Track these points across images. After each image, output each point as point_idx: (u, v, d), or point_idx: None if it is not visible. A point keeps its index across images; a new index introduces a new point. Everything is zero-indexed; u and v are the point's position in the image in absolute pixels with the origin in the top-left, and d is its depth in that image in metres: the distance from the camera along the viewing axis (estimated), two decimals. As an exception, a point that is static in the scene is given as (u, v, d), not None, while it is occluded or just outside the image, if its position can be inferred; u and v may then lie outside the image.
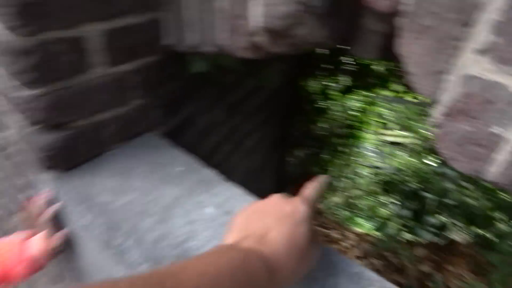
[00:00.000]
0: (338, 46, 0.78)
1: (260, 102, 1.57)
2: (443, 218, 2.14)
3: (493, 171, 0.55)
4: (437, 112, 0.58)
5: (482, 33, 0.47)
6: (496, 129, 0.52)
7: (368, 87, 2.00)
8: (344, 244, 2.27)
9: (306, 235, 0.46)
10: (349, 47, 0.78)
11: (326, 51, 1.92)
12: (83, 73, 0.72)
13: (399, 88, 2.17)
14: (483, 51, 0.48)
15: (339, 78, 2.00)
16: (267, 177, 2.25)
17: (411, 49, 0.54)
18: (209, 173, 0.85)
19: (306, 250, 0.46)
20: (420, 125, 3.43)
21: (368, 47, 0.74)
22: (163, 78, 0.92)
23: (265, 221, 0.47)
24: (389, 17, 0.63)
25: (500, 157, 0.53)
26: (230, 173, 1.64)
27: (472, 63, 0.50)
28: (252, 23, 0.69)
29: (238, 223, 0.50)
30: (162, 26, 0.85)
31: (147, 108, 0.92)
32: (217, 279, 0.36)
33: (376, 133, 3.28)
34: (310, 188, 0.54)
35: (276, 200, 0.51)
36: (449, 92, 0.54)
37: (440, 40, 0.50)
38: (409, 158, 3.22)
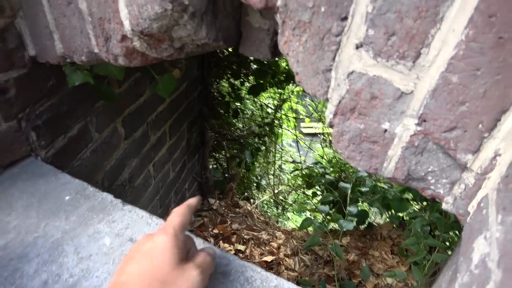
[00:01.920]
0: (229, 47, 0.72)
1: (164, 109, 1.47)
2: (363, 206, 2.23)
3: (389, 167, 0.54)
4: (329, 112, 0.55)
5: (359, 26, 0.44)
6: (386, 125, 0.50)
7: (278, 84, 2.01)
8: (274, 244, 2.26)
9: (167, 264, 0.46)
10: (239, 48, 0.73)
11: (230, 51, 1.88)
12: None
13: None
14: (361, 46, 0.45)
15: (248, 77, 1.97)
16: (191, 184, 2.15)
17: (293, 47, 0.50)
18: (104, 198, 0.74)
19: (171, 277, 0.46)
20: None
21: (259, 46, 0.70)
22: (36, 94, 0.78)
23: (127, 264, 0.47)
24: (270, 13, 0.58)
25: (393, 153, 0.52)
26: (146, 187, 1.53)
27: (355, 59, 0.47)
28: (123, 27, 0.60)
29: (119, 267, 0.49)
30: (23, 34, 0.71)
31: (21, 131, 0.78)
32: None
33: (293, 128, 3.34)
34: (174, 214, 0.53)
35: (140, 241, 0.50)
36: (337, 90, 0.51)
37: (320, 36, 0.47)
38: (326, 149, 3.34)
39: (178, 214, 0.52)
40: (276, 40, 0.70)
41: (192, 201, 0.57)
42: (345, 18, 0.45)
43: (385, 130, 0.51)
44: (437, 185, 0.51)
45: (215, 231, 2.01)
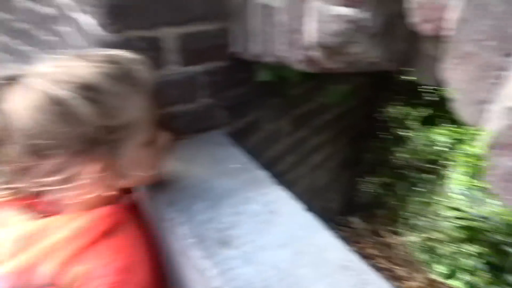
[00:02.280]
0: (399, 68, 0.77)
1: (330, 119, 1.57)
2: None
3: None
4: (483, 143, 0.55)
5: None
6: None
7: (456, 121, 1.85)
8: (409, 283, 2.11)
9: None
10: (410, 70, 0.77)
11: (406, 77, 1.84)
12: (160, 69, 0.83)
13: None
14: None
15: (421, 107, 1.89)
16: (333, 197, 2.21)
17: (454, 76, 0.53)
18: (261, 174, 0.88)
19: None
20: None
21: (427, 71, 0.73)
22: (230, 82, 1.00)
23: None
24: (438, 41, 0.61)
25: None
26: (293, 184, 1.67)
27: (517, 95, 0.47)
28: (308, 38, 0.73)
29: None
30: (230, 35, 0.93)
31: (214, 107, 1.01)
32: None
33: (465, 174, 2.97)
34: None
35: None
36: (493, 123, 0.51)
37: (482, 68, 0.49)
38: (503, 208, 2.85)
39: None
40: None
41: None
42: (511, 55, 0.46)
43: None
44: None
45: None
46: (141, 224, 0.84)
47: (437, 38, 0.54)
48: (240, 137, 1.15)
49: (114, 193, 0.69)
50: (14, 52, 1.50)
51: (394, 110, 2.12)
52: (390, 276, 2.16)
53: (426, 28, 0.53)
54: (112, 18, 0.72)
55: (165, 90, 0.88)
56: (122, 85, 0.62)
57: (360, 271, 0.60)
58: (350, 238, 2.17)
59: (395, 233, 2.86)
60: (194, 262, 0.66)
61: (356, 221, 2.36)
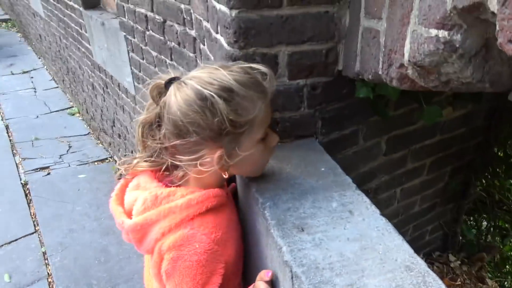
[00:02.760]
0: (496, 91, 0.78)
1: (431, 143, 1.54)
2: None
3: None
4: None
5: None
6: None
7: None
8: None
9: None
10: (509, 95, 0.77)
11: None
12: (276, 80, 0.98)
13: None
14: None
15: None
16: (434, 229, 2.09)
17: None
18: (346, 179, 0.95)
19: None
20: None
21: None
22: (331, 96, 1.10)
23: None
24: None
25: None
26: (387, 206, 1.66)
27: None
28: (404, 57, 0.79)
29: None
30: (337, 54, 1.03)
31: (313, 117, 1.12)
32: None
33: None
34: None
35: None
36: None
37: None
38: None
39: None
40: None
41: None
42: None
43: None
44: None
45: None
46: (235, 209, 0.99)
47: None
48: (334, 148, 1.23)
49: (225, 177, 0.86)
50: (163, 65, 1.87)
51: None
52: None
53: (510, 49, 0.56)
54: (237, 37, 0.92)
55: (273, 99, 1.02)
56: (251, 91, 0.78)
57: (424, 274, 0.64)
58: (445, 274, 2.03)
59: (501, 282, 2.53)
60: (272, 240, 0.77)
61: (453, 260, 2.19)
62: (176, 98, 0.77)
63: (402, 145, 1.46)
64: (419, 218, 1.88)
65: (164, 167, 0.88)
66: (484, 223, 2.42)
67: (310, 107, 1.09)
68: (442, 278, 2.01)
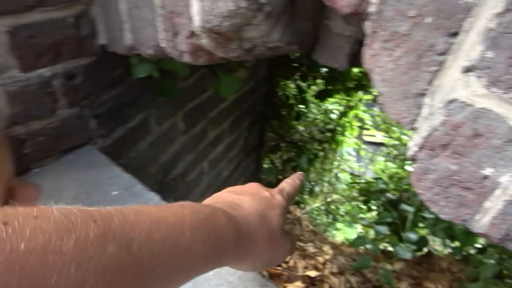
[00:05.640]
0: (303, 52, 0.65)
1: (226, 107, 1.43)
2: (422, 232, 2.05)
3: (482, 221, 0.43)
4: (413, 143, 0.45)
5: (473, 46, 0.35)
6: (488, 171, 0.40)
7: (347, 91, 1.89)
8: (320, 259, 2.16)
9: (279, 220, 0.44)
10: (313, 54, 0.66)
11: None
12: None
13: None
14: (472, 70, 0.36)
15: (317, 81, 1.88)
16: (243, 183, 2.12)
17: (381, 63, 0.42)
18: (150, 198, 0.71)
19: (277, 235, 0.44)
20: (403, 131, 3.35)
21: (336, 54, 0.62)
22: (99, 84, 0.78)
23: (239, 196, 0.45)
24: (357, 19, 0.50)
25: (491, 206, 0.42)
26: (197, 183, 1.52)
27: (459, 85, 0.38)
28: (194, 22, 0.55)
29: (211, 196, 0.47)
30: (95, 23, 0.70)
31: (81, 117, 0.78)
32: (175, 229, 0.31)
33: (356, 137, 3.18)
34: (288, 183, 0.51)
35: (254, 185, 0.50)
36: (429, 120, 0.42)
37: (418, 53, 0.38)
38: (390, 164, 3.13)
39: (292, 186, 0.51)
40: (356, 50, 0.61)
41: (301, 176, 0.54)
42: (455, 34, 0.36)
43: (485, 177, 0.41)
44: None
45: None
46: None
47: (355, 16, 0.42)
48: (123, 148, 0.94)
49: None
50: None
51: (289, 87, 2.08)
52: (301, 255, 2.18)
53: (340, 4, 0.41)
54: None
55: (6, 106, 0.63)
56: None
57: None
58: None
59: (299, 204, 2.93)
60: None
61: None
62: None
63: (200, 117, 1.28)
64: (229, 180, 1.83)
65: None
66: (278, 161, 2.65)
67: (72, 105, 0.75)
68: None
